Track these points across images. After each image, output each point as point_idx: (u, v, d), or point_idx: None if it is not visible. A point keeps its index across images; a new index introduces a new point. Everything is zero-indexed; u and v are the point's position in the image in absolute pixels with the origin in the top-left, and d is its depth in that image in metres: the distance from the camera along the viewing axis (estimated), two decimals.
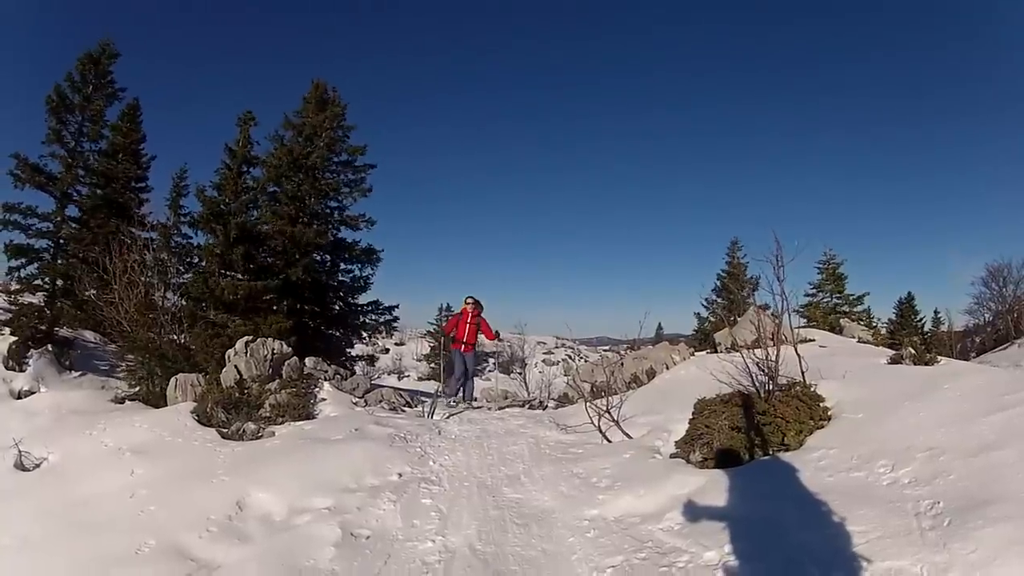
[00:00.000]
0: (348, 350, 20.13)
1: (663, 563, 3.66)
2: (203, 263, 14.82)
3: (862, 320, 26.89)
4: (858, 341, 14.41)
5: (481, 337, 11.38)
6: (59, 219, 15.19)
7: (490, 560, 3.84)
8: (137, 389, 11.40)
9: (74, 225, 15.48)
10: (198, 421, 7.70)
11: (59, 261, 15.05)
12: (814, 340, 11.88)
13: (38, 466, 6.84)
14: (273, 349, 9.38)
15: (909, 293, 35.58)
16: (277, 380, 9.04)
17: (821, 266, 28.73)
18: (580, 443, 6.67)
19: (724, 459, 5.18)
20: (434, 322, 47.47)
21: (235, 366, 8.97)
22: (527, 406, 11.49)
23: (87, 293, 13.76)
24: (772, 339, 6.94)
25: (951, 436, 4.59)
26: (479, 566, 3.78)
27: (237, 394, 8.43)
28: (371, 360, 22.26)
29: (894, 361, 8.58)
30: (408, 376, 43.32)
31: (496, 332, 11.37)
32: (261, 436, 7.21)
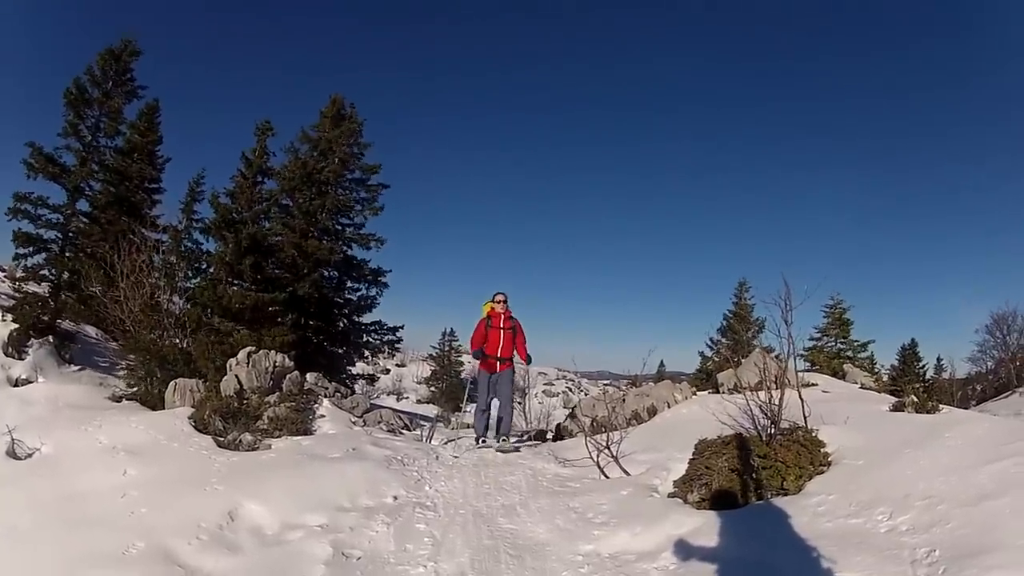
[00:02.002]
0: (349, 368, 20.20)
1: None
2: (211, 270, 14.88)
3: (866, 366, 26.84)
4: (860, 387, 14.29)
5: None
6: (70, 212, 15.23)
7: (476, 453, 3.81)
8: (135, 389, 11.31)
9: (84, 220, 15.51)
10: (195, 427, 7.67)
11: (67, 254, 15.10)
12: (817, 385, 11.81)
13: (31, 456, 6.82)
14: (275, 362, 9.36)
15: (913, 340, 35.50)
16: (277, 393, 9.00)
17: (827, 311, 28.66)
18: (578, 477, 6.59)
19: (722, 501, 5.14)
20: (436, 346, 47.46)
21: (236, 376, 8.93)
22: (526, 437, 11.44)
23: (93, 288, 13.48)
24: (776, 382, 6.93)
25: (950, 485, 4.55)
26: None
27: (236, 404, 8.35)
28: (371, 379, 22.28)
29: (896, 408, 8.50)
30: (407, 398, 43.18)
31: (527, 354, 8.82)
32: (257, 448, 7.17)
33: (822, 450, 5.81)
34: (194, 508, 5.19)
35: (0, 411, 7.85)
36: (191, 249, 15.18)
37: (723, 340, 23.66)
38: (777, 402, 6.13)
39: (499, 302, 8.62)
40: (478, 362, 8.69)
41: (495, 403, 8.64)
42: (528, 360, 8.93)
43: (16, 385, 10.45)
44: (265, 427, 7.87)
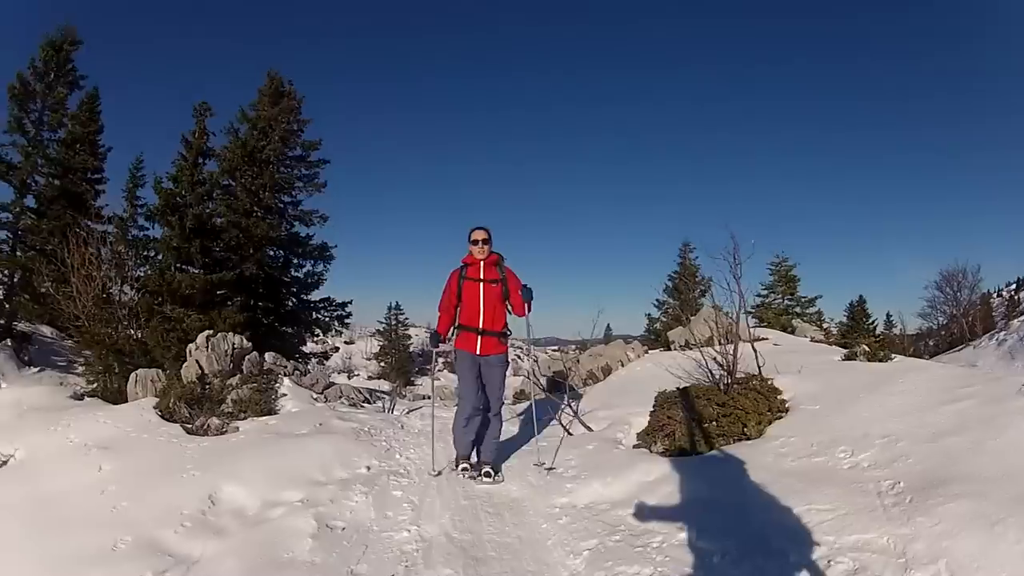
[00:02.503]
0: (301, 347, 20.28)
1: (637, 544, 3.83)
2: (159, 256, 14.71)
3: (814, 321, 27.78)
4: (811, 340, 14.89)
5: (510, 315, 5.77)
6: (18, 210, 15.12)
7: (467, 547, 3.96)
8: (94, 385, 11.31)
9: (32, 216, 15.54)
10: (161, 416, 7.59)
11: (17, 253, 15.00)
12: (768, 339, 12.27)
13: (4, 463, 6.70)
14: (233, 344, 9.31)
15: (861, 296, 36.96)
16: (238, 375, 8.96)
17: (773, 268, 29.61)
18: (543, 436, 6.77)
19: (686, 448, 5.42)
20: (383, 320, 47.51)
21: (196, 360, 8.86)
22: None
23: (45, 286, 13.57)
24: (728, 336, 7.27)
25: (906, 425, 4.89)
26: (457, 553, 3.89)
27: (199, 389, 8.30)
28: (324, 357, 22.28)
29: (848, 358, 8.92)
30: (358, 375, 43.25)
31: (527, 293, 5.57)
32: (226, 431, 7.18)
33: (779, 397, 6.16)
34: (174, 496, 5.20)
35: None
36: (138, 237, 15.02)
37: (670, 300, 24.19)
38: (732, 353, 6.40)
39: (477, 242, 5.44)
40: (451, 338, 5.71)
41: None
42: (525, 292, 5.57)
43: None
44: (230, 410, 7.85)
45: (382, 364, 44.04)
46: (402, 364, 42.05)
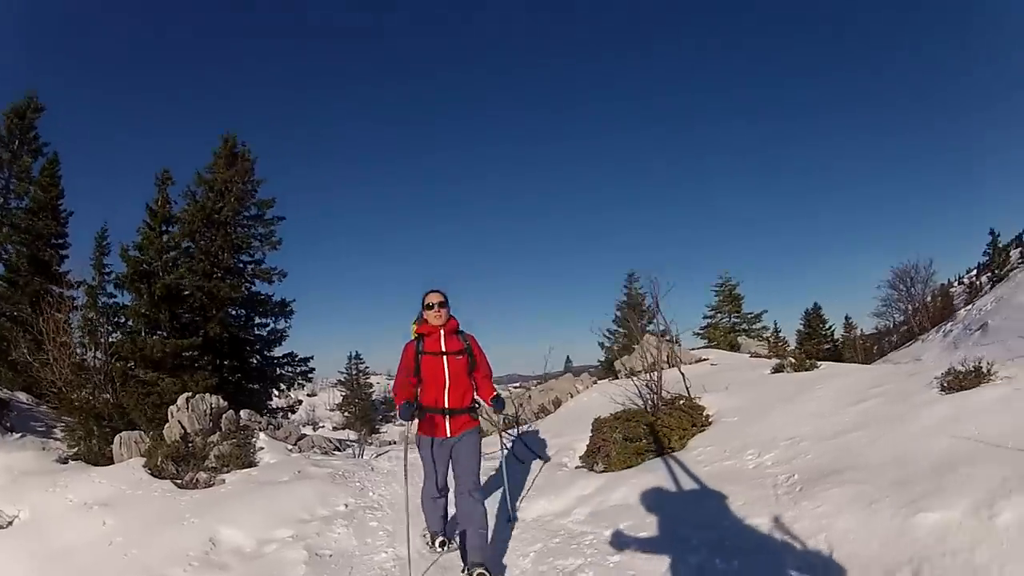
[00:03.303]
0: (268, 403, 20.54)
1: (573, 543, 4.73)
2: (129, 323, 15.15)
3: (760, 336, 29.11)
4: (751, 356, 15.86)
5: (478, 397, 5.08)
6: None
7: (437, 561, 4.79)
8: (75, 449, 11.39)
9: (3, 284, 15.72)
10: (151, 474, 8.09)
11: None
12: (708, 359, 13.28)
13: (11, 523, 7.01)
14: (211, 404, 9.92)
15: (815, 303, 38.44)
16: (218, 432, 9.56)
17: (718, 289, 31.05)
18: (497, 466, 7.64)
19: (619, 464, 6.30)
20: (344, 371, 47.79)
21: (179, 421, 9.46)
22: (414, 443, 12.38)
23: (21, 354, 13.73)
24: (667, 362, 8.27)
25: (812, 427, 5.85)
26: (428, 565, 4.72)
27: (183, 447, 8.88)
28: (291, 411, 22.69)
29: (776, 370, 9.85)
30: (323, 426, 43.30)
31: (499, 404, 5.04)
32: (213, 484, 7.72)
33: (703, 413, 7.10)
34: (178, 541, 5.79)
35: None
36: (108, 305, 15.41)
37: (619, 330, 25.21)
38: (657, 380, 7.35)
39: (432, 306, 4.73)
40: (410, 421, 4.75)
41: (453, 486, 4.82)
42: (498, 403, 5.01)
43: None
44: (214, 465, 8.40)
45: (346, 414, 44.23)
46: (365, 412, 42.40)
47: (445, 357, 4.72)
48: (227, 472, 8.21)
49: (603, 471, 6.40)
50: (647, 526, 4.66)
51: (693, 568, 3.90)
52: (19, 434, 12.17)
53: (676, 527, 4.49)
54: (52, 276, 16.76)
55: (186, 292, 16.27)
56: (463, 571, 4.45)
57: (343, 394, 46.00)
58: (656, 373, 7.47)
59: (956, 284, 45.89)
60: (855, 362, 22.97)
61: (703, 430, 6.80)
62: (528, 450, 7.96)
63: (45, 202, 16.92)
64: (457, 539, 4.82)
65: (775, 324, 42.37)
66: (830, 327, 39.33)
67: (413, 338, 4.86)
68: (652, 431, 6.51)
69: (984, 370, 5.64)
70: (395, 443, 13.91)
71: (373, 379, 49.74)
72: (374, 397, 46.98)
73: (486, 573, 4.27)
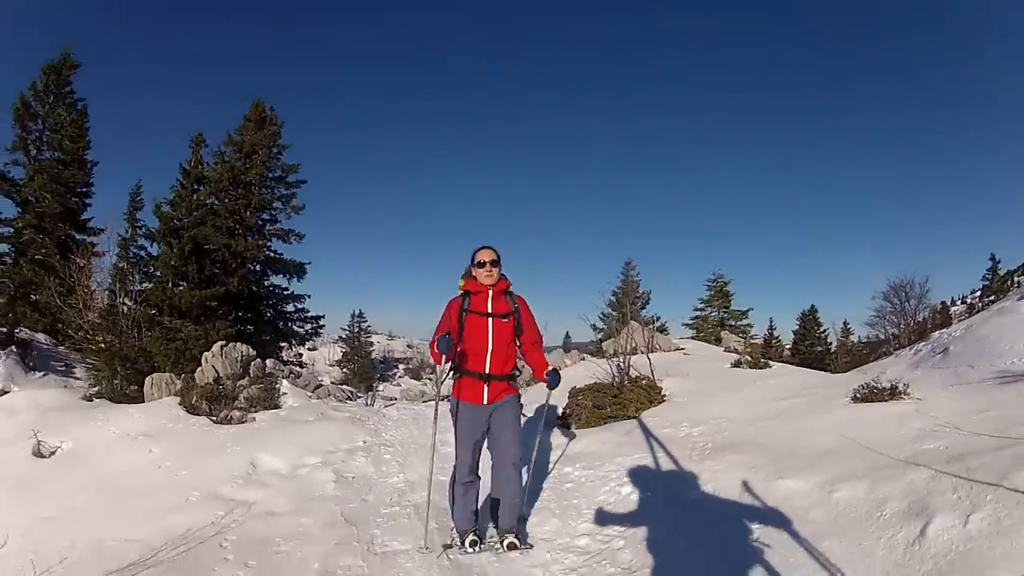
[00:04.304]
0: (280, 354, 21.80)
1: (545, 472, 6.20)
2: (158, 273, 16.38)
3: (745, 332, 30.59)
4: (725, 350, 17.20)
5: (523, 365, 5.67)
6: (21, 224, 16.46)
7: (439, 486, 6.10)
8: (96, 389, 12.59)
9: (34, 231, 16.73)
10: (187, 411, 9.16)
11: (21, 266, 16.24)
12: (683, 349, 14.63)
13: (54, 453, 7.68)
14: (242, 352, 11.23)
15: (812, 306, 39.33)
16: (247, 378, 10.89)
17: (710, 284, 32.59)
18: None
19: (588, 424, 7.75)
20: (346, 328, 48.85)
21: (213, 366, 10.73)
22: (446, 399, 13.77)
23: (50, 297, 14.77)
24: (647, 347, 9.66)
25: (738, 412, 7.21)
26: (432, 488, 6.07)
27: (216, 389, 10.05)
28: (301, 364, 24.06)
29: (735, 365, 11.19)
30: (322, 381, 44.37)
31: (554, 379, 4.51)
32: (246, 421, 8.89)
33: (660, 392, 8.47)
34: (223, 465, 6.92)
35: None
36: (138, 255, 16.64)
37: (613, 313, 26.47)
38: (626, 361, 8.70)
39: (484, 264, 4.44)
40: (447, 379, 4.65)
41: (491, 464, 4.60)
42: (553, 379, 4.51)
43: None
44: (243, 406, 9.59)
45: (345, 370, 45.31)
46: (365, 370, 43.56)
47: (491, 319, 4.43)
48: (256, 412, 9.34)
49: (575, 428, 7.82)
50: (596, 466, 6.13)
51: (614, 484, 5.54)
52: (41, 373, 13.23)
53: (611, 466, 6.02)
54: (78, 224, 17.93)
55: (212, 247, 17.45)
56: (482, 538, 4.59)
57: (343, 351, 47.05)
58: (625, 356, 8.85)
59: (959, 303, 46.31)
60: (833, 369, 24.12)
61: (657, 405, 8.18)
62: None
63: (73, 152, 17.86)
64: (488, 508, 4.76)
65: (771, 322, 43.59)
66: (824, 330, 40.48)
67: (459, 294, 4.54)
68: (616, 401, 7.88)
69: (899, 389, 6.60)
70: (396, 399, 15.42)
71: (374, 338, 50.94)
72: (374, 356, 48.27)
73: (516, 543, 4.42)
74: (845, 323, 40.87)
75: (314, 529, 5.16)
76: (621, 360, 8.83)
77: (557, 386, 4.59)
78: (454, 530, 4.73)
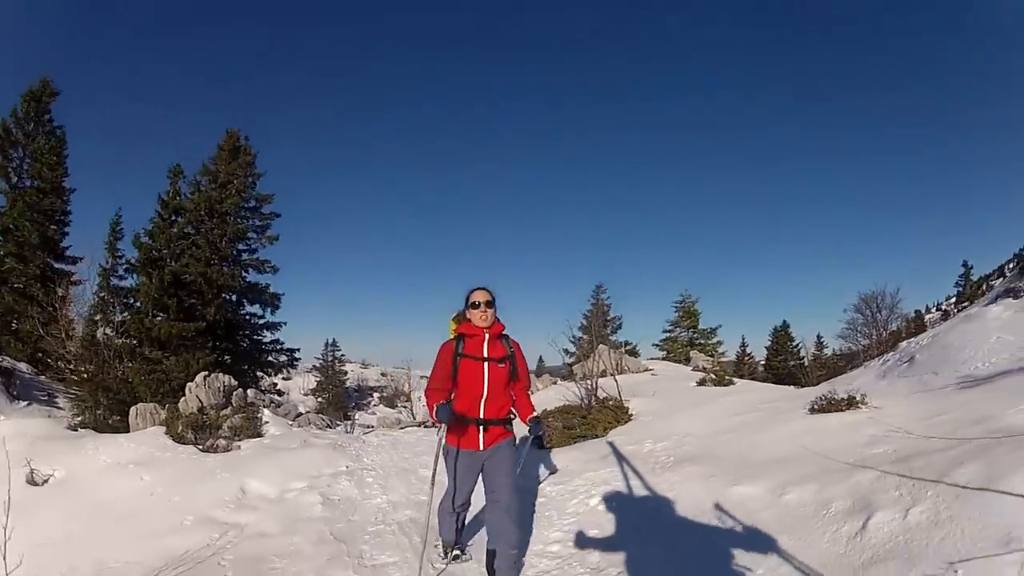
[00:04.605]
0: (257, 384, 22.06)
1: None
2: (138, 304, 16.62)
3: (714, 350, 31.45)
4: (693, 369, 17.84)
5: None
6: (1, 253, 16.62)
7: (419, 505, 6.52)
8: (80, 418, 12.50)
9: (14, 260, 16.89)
10: (173, 440, 9.41)
11: (2, 295, 16.33)
12: (651, 369, 15.25)
13: (47, 481, 7.73)
14: (224, 382, 11.55)
15: (784, 321, 40.31)
16: (229, 407, 11.22)
17: (678, 305, 33.50)
18: None
19: (559, 444, 8.25)
20: (320, 357, 48.86)
21: (196, 395, 11.04)
22: (422, 426, 14.22)
23: (34, 326, 14.89)
24: (617, 369, 10.21)
25: (699, 428, 7.78)
26: (412, 505, 6.50)
27: (200, 418, 10.33)
28: (279, 393, 24.24)
29: (700, 383, 11.79)
30: (301, 411, 44.25)
31: (536, 427, 4.57)
32: (231, 449, 9.20)
33: (627, 412, 9.02)
34: (213, 490, 7.24)
35: None
36: (118, 287, 16.86)
37: (584, 337, 27.17)
38: (594, 384, 9.25)
39: (478, 305, 4.34)
40: (440, 426, 4.43)
41: (484, 502, 4.55)
42: (535, 426, 4.54)
43: None
44: (227, 434, 9.85)
45: (319, 399, 45.37)
46: (339, 399, 43.66)
47: (487, 363, 4.31)
48: (240, 440, 9.62)
49: (547, 448, 8.31)
50: (563, 481, 6.63)
51: (583, 497, 6.05)
52: (25, 402, 13.15)
53: (580, 481, 6.49)
54: (56, 253, 18.07)
55: (189, 278, 17.72)
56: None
57: (318, 380, 47.09)
58: (594, 379, 9.40)
59: (934, 310, 47.06)
60: (804, 383, 24.69)
61: (624, 424, 8.77)
62: None
63: (51, 180, 18.03)
64: (485, 556, 4.52)
65: (743, 340, 44.50)
66: (797, 345, 41.38)
67: (451, 338, 4.47)
68: (585, 422, 8.40)
69: (856, 399, 7.15)
70: (373, 427, 15.84)
71: (348, 367, 51.06)
72: (348, 384, 48.36)
73: None
74: (819, 336, 41.87)
75: (306, 547, 5.53)
76: (589, 383, 9.37)
77: (539, 435, 4.66)
78: (439, 540, 4.91)
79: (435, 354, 4.46)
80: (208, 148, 21.55)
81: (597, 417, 8.54)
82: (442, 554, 4.87)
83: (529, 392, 4.71)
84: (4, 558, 4.02)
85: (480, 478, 4.48)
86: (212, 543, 5.83)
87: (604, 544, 4.86)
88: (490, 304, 4.35)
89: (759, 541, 4.26)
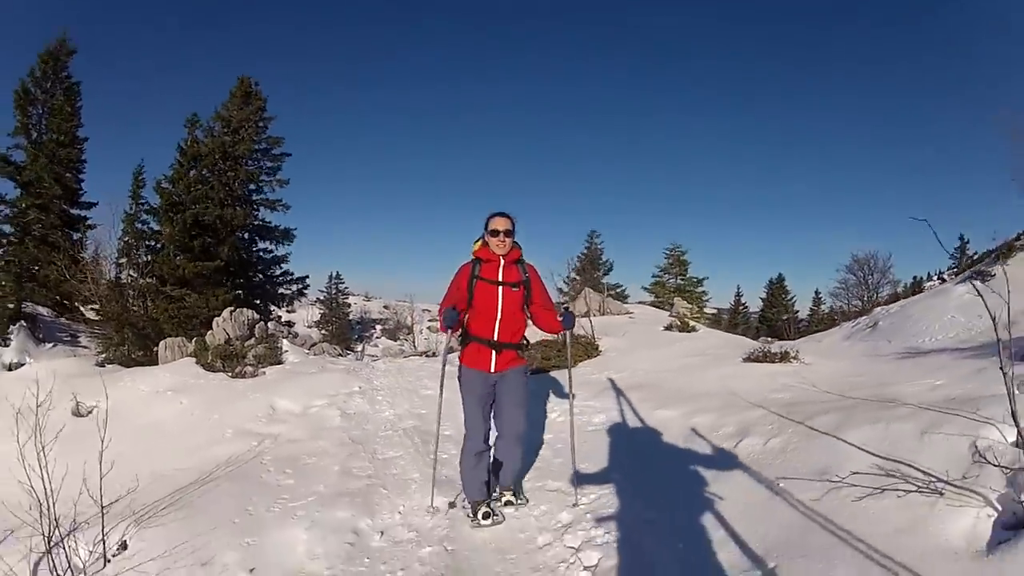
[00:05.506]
0: (270, 316, 23.16)
1: None
2: (161, 246, 17.85)
3: (699, 299, 32.94)
4: (671, 315, 19.15)
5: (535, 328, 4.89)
6: (24, 205, 17.49)
7: (420, 416, 7.86)
8: (106, 355, 13.99)
9: (37, 211, 17.76)
10: (204, 369, 10.66)
11: (26, 244, 17.36)
12: (631, 313, 16.63)
13: (91, 412, 8.72)
14: (248, 316, 12.91)
15: (780, 275, 41.24)
16: (253, 338, 12.59)
17: (668, 252, 34.90)
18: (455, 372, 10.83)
19: (538, 369, 9.62)
20: (324, 289, 49.53)
21: (223, 329, 12.37)
22: (423, 356, 15.62)
23: (60, 271, 15.91)
24: (599, 310, 11.65)
25: (651, 364, 9.25)
26: (415, 417, 7.85)
27: (227, 349, 11.56)
28: (290, 324, 25.47)
29: (667, 328, 13.15)
30: (315, 341, 45.19)
31: (569, 321, 4.66)
32: (257, 375, 10.39)
33: (597, 348, 10.43)
34: (247, 408, 8.44)
35: (16, 391, 8.59)
36: (141, 230, 18.08)
37: (577, 278, 28.44)
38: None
39: (497, 232, 4.41)
40: (454, 346, 4.77)
41: (496, 433, 4.73)
42: (567, 320, 4.65)
43: (11, 369, 12.41)
44: (251, 363, 11.02)
45: (323, 332, 46.17)
46: (343, 331, 44.60)
47: (501, 287, 4.43)
48: (264, 367, 10.82)
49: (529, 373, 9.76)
50: (540, 399, 7.88)
51: (543, 409, 7.48)
52: (50, 344, 14.42)
53: (551, 401, 7.88)
54: (72, 199, 19.09)
55: (207, 221, 18.81)
56: (496, 492, 4.82)
57: (321, 312, 47.70)
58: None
59: (935, 279, 47.19)
60: (786, 336, 25.70)
61: (594, 358, 10.25)
62: None
63: (67, 131, 18.89)
64: (486, 485, 4.68)
65: (738, 289, 45.73)
66: (791, 298, 42.57)
67: (469, 260, 4.55)
68: (560, 355, 9.81)
69: (790, 354, 8.44)
70: (379, 356, 17.41)
71: (352, 299, 51.82)
72: (351, 317, 49.37)
73: (513, 500, 4.73)
74: (816, 292, 42.75)
75: (330, 448, 6.83)
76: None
77: (572, 326, 4.75)
78: (465, 500, 4.81)
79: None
80: (218, 94, 22.19)
81: (572, 351, 9.94)
82: (471, 515, 4.63)
83: (553, 310, 4.74)
84: (100, 464, 4.77)
85: (491, 413, 4.60)
86: (252, 449, 7.00)
87: (559, 440, 6.35)
88: (509, 233, 4.42)
89: (666, 444, 5.85)
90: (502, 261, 4.45)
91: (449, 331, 4.44)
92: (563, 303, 19.96)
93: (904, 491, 3.63)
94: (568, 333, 5.01)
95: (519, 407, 4.54)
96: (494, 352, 4.47)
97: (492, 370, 4.48)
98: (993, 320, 3.63)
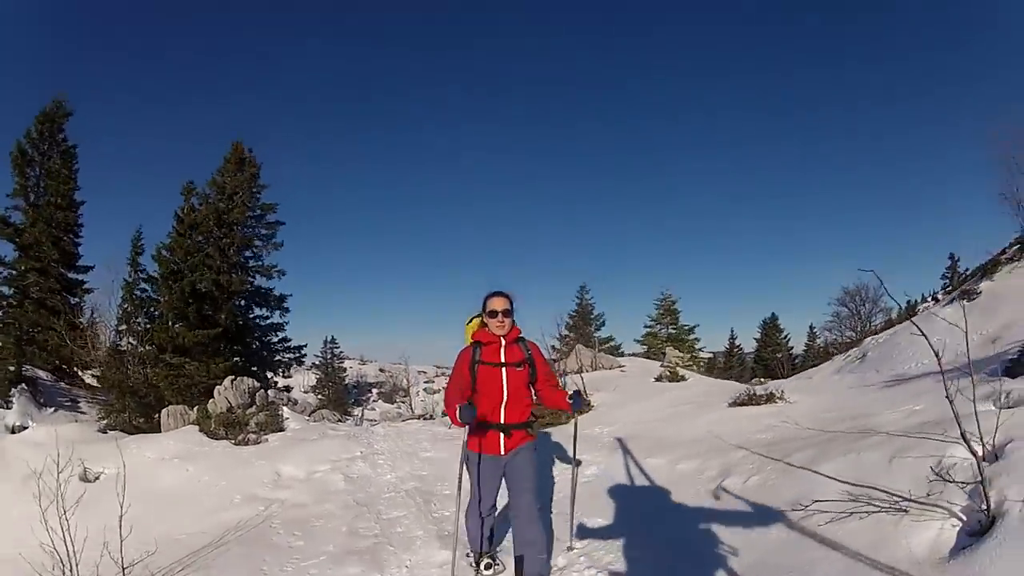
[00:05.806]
0: (271, 386, 23.25)
1: None
2: (158, 313, 18.15)
3: (692, 346, 33.37)
4: (662, 365, 19.46)
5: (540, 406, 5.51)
6: (23, 268, 17.63)
7: (421, 478, 8.21)
8: (106, 421, 13.98)
9: (36, 274, 17.95)
10: (207, 436, 10.74)
11: (25, 307, 17.49)
12: (623, 367, 17.01)
13: (98, 477, 8.74)
14: (249, 384, 13.19)
15: (773, 314, 41.55)
16: (254, 406, 12.84)
17: (659, 303, 35.49)
18: (454, 434, 10.69)
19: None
20: (319, 354, 49.14)
21: (225, 397, 12.58)
22: (420, 419, 15.90)
23: (59, 337, 16.09)
24: (591, 366, 12.07)
25: (638, 416, 9.63)
26: (416, 479, 8.18)
27: (229, 417, 11.66)
28: (287, 390, 25.62)
29: (657, 379, 13.51)
30: (314, 408, 44.96)
31: (578, 402, 4.60)
32: (260, 442, 10.47)
33: (590, 403, 10.77)
34: (252, 475, 8.63)
35: (21, 455, 9.16)
36: (140, 297, 18.38)
37: (569, 334, 28.84)
38: (564, 382, 11.01)
39: (496, 314, 4.42)
40: (464, 432, 4.47)
41: (507, 505, 4.63)
42: (576, 402, 4.60)
43: (14, 432, 12.16)
44: (254, 430, 11.13)
45: (320, 396, 45.95)
46: (339, 396, 44.44)
47: (505, 369, 4.40)
48: (266, 434, 10.92)
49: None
50: (539, 456, 8.29)
51: (546, 467, 7.73)
52: (51, 408, 14.39)
53: (553, 462, 8.15)
54: (73, 264, 19.38)
55: (205, 288, 19.11)
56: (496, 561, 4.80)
57: (317, 377, 47.40)
58: (568, 375, 11.20)
59: (930, 300, 47.23)
60: (780, 374, 25.81)
61: (584, 413, 10.53)
62: None
63: (64, 194, 19.10)
64: (513, 563, 4.45)
65: (732, 332, 46.10)
66: (786, 336, 42.93)
67: (468, 345, 4.54)
68: (553, 411, 10.14)
69: (775, 395, 8.82)
70: (378, 421, 17.67)
71: (347, 363, 51.69)
72: (347, 381, 49.19)
73: None
74: (811, 327, 43.07)
75: (336, 511, 7.14)
76: (563, 380, 11.15)
77: (580, 408, 4.74)
78: (469, 552, 4.93)
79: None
80: (214, 155, 22.50)
81: (563, 407, 10.31)
82: (473, 564, 4.83)
83: (557, 385, 4.85)
84: (120, 527, 5.06)
85: (504, 483, 4.54)
86: (260, 513, 7.24)
87: (557, 492, 6.78)
88: (508, 313, 4.40)
89: (654, 489, 6.27)
90: (503, 342, 4.42)
91: (467, 428, 4.36)
92: (554, 359, 20.35)
93: (867, 512, 4.06)
94: (576, 413, 4.90)
95: (530, 483, 4.41)
96: (503, 435, 4.42)
97: (503, 452, 4.42)
98: (937, 356, 4.09)
